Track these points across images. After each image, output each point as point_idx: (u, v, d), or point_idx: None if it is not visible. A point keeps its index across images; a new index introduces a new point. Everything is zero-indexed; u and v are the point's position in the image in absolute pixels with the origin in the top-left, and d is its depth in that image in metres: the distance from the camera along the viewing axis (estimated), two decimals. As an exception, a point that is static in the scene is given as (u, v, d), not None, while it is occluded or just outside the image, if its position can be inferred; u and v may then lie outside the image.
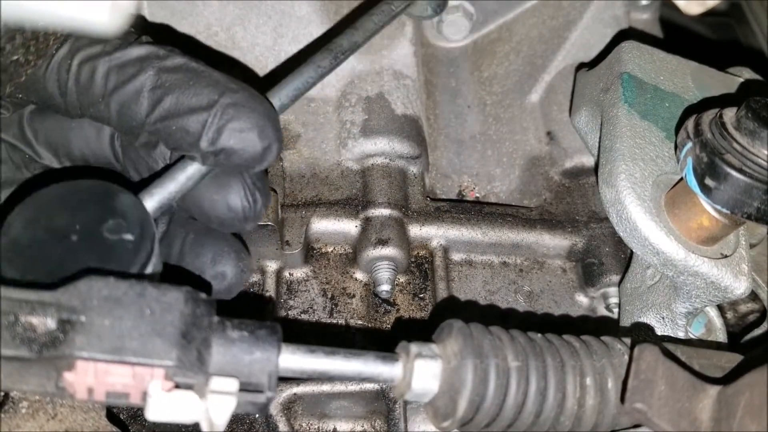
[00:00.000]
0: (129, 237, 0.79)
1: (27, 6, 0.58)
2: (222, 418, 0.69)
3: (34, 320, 0.66)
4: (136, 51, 0.87)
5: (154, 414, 0.68)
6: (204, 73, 0.87)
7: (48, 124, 0.94)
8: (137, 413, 1.02)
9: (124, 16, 0.60)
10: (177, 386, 0.68)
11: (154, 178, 0.88)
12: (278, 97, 0.98)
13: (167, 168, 0.89)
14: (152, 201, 0.86)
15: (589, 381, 0.80)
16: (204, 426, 0.69)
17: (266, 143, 0.85)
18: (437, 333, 0.82)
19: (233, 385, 0.69)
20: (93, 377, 0.67)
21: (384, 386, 1.02)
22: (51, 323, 0.66)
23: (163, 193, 0.87)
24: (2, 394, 0.82)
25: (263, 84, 0.95)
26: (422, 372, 0.77)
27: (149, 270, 0.80)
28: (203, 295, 0.73)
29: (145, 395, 0.68)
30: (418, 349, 0.78)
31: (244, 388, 0.70)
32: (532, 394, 0.78)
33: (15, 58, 0.80)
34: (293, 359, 0.74)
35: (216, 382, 0.69)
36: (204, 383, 0.69)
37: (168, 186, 0.87)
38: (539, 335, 0.84)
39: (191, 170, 0.87)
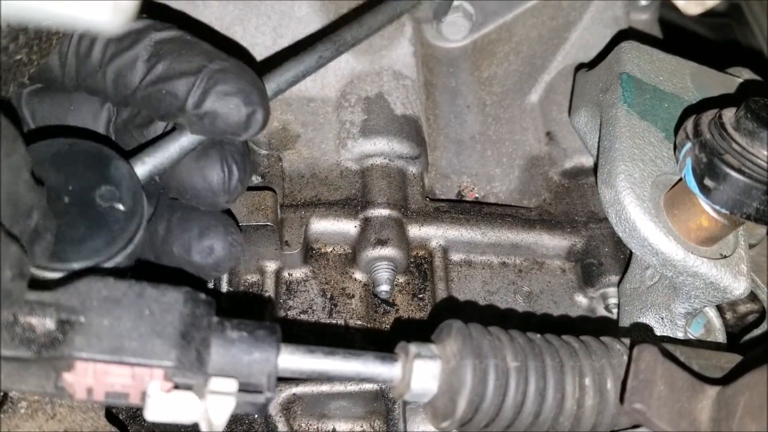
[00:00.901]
0: (120, 207, 0.80)
1: (29, 5, 0.59)
2: (221, 419, 0.69)
3: (34, 321, 0.66)
4: (134, 24, 0.88)
5: (153, 414, 0.68)
6: (197, 44, 0.90)
7: (45, 106, 0.94)
8: (136, 413, 1.02)
9: (126, 15, 0.60)
10: (176, 387, 0.69)
11: (144, 148, 0.89)
12: (276, 80, 0.99)
13: (158, 139, 0.91)
14: (143, 167, 0.87)
15: (588, 381, 0.80)
16: (203, 426, 0.69)
17: (250, 109, 0.86)
18: (436, 333, 0.83)
19: (232, 385, 0.70)
20: (92, 378, 0.67)
21: (383, 386, 1.03)
22: (50, 324, 0.67)
23: (154, 161, 0.88)
24: (1, 394, 0.82)
25: (262, 68, 0.97)
26: (421, 372, 0.77)
27: (136, 241, 0.81)
28: (203, 296, 0.73)
29: (144, 395, 0.68)
30: (417, 349, 0.78)
31: (244, 388, 0.71)
32: (531, 395, 0.78)
33: (18, 57, 0.80)
34: (292, 359, 0.74)
35: (215, 383, 0.69)
36: (203, 384, 0.69)
37: (159, 154, 0.88)
38: (538, 336, 0.84)
39: (182, 140, 0.89)
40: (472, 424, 0.78)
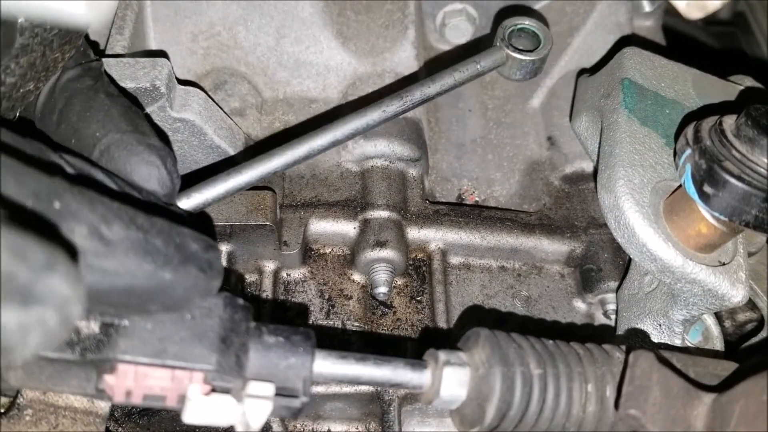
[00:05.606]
0: None
1: (11, 3, 0.67)
2: (258, 422, 0.74)
3: (79, 323, 0.71)
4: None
5: (191, 417, 0.72)
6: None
7: None
8: (131, 411, 1.06)
9: (101, 11, 0.68)
10: (213, 390, 0.73)
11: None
12: (334, 132, 1.06)
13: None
14: (188, 202, 0.96)
15: (590, 388, 0.84)
16: (239, 428, 0.74)
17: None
18: (463, 341, 0.87)
19: (270, 389, 0.74)
20: (132, 380, 0.71)
21: (378, 388, 1.07)
22: (95, 327, 0.71)
23: (201, 197, 0.97)
24: (11, 398, 0.86)
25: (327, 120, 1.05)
26: (451, 379, 0.81)
27: None
28: (241, 301, 0.78)
29: (182, 398, 0.73)
30: (446, 356, 0.82)
31: (280, 392, 0.75)
32: (549, 401, 0.83)
33: (28, 89, 0.89)
34: (326, 365, 0.79)
35: (253, 387, 0.74)
36: (241, 387, 0.74)
37: (206, 191, 0.97)
38: (550, 342, 0.88)
39: (230, 182, 0.99)
40: (498, 430, 0.82)
